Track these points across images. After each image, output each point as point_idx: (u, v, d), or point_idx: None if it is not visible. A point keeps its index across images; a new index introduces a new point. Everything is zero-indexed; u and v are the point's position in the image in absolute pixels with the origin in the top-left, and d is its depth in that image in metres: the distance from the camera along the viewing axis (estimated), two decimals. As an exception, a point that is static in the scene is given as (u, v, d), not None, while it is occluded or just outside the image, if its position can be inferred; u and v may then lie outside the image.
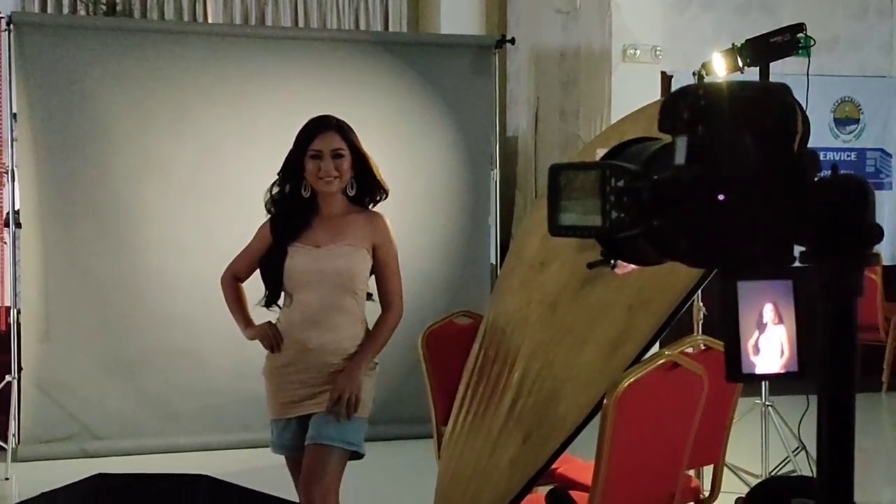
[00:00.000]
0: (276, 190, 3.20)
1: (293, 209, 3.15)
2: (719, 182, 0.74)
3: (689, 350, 2.59)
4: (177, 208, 5.74)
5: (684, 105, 0.77)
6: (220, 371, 5.66)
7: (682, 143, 0.77)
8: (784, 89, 0.81)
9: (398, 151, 5.75)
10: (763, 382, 4.85)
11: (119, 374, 5.65)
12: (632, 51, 7.58)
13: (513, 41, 5.87)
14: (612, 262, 0.80)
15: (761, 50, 4.29)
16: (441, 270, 6.00)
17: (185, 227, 5.74)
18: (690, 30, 7.67)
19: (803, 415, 4.38)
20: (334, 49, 5.82)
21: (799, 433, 4.64)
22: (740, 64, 4.37)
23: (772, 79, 7.90)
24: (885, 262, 7.95)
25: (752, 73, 4.59)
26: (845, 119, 8.20)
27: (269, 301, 3.23)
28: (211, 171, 5.73)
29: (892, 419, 7.74)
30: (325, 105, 5.85)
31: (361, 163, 3.15)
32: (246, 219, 5.77)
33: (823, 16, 8.11)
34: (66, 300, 5.59)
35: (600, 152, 3.66)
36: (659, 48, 7.52)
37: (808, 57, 4.30)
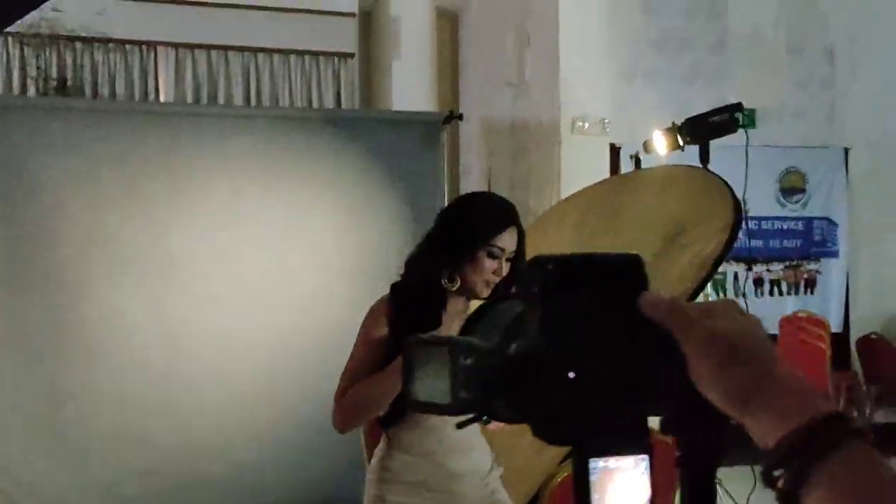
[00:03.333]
0: (414, 273, 2.62)
1: (428, 301, 2.56)
2: (569, 358, 0.74)
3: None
4: (124, 284, 5.67)
5: (534, 276, 0.77)
6: (170, 453, 5.55)
7: (533, 317, 0.77)
8: (637, 261, 0.81)
9: (349, 226, 5.77)
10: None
11: (63, 456, 5.51)
12: (580, 123, 7.70)
13: (460, 117, 5.94)
14: (485, 417, 0.79)
15: (700, 129, 4.38)
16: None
17: (133, 304, 5.67)
18: (638, 101, 7.80)
19: (752, 490, 4.38)
20: (286, 126, 5.84)
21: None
22: (680, 142, 4.45)
23: (716, 153, 8.05)
24: (834, 329, 8.04)
25: (693, 151, 4.68)
26: (791, 189, 8.35)
27: (392, 420, 2.61)
28: (159, 246, 5.68)
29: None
30: (276, 181, 5.90)
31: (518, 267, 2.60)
32: (193, 296, 5.79)
33: (769, 86, 8.31)
34: (7, 377, 5.47)
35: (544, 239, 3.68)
36: (607, 120, 7.65)
37: (746, 131, 4.39)
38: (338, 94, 9.15)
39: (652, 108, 7.68)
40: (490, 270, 2.53)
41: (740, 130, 8.21)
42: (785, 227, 8.34)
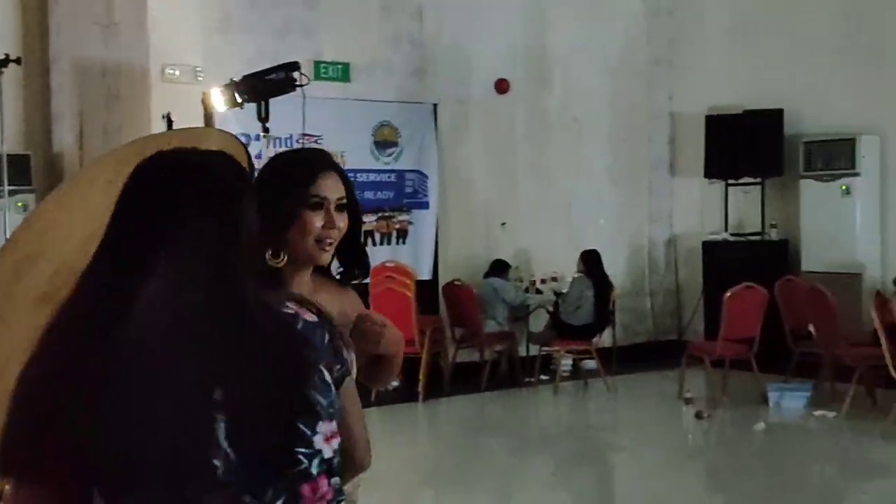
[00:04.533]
0: None
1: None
2: None
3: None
4: None
5: None
6: None
7: None
8: None
9: None
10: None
11: None
12: (171, 70, 7.42)
13: (18, 60, 5.45)
14: None
15: (258, 87, 4.33)
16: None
17: None
18: (233, 51, 7.65)
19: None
20: None
21: None
22: (238, 100, 4.38)
23: (311, 103, 8.10)
24: (421, 276, 8.45)
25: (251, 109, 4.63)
26: (384, 142, 8.63)
27: None
28: None
29: (428, 426, 8.27)
30: None
31: (355, 220, 2.19)
32: None
33: (363, 41, 8.48)
34: None
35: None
36: (199, 69, 7.42)
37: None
38: None
39: (246, 59, 7.55)
40: (318, 225, 2.07)
41: (338, 82, 8.41)
42: (378, 178, 8.61)
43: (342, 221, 2.11)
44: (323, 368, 1.36)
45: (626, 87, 10.01)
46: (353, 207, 2.16)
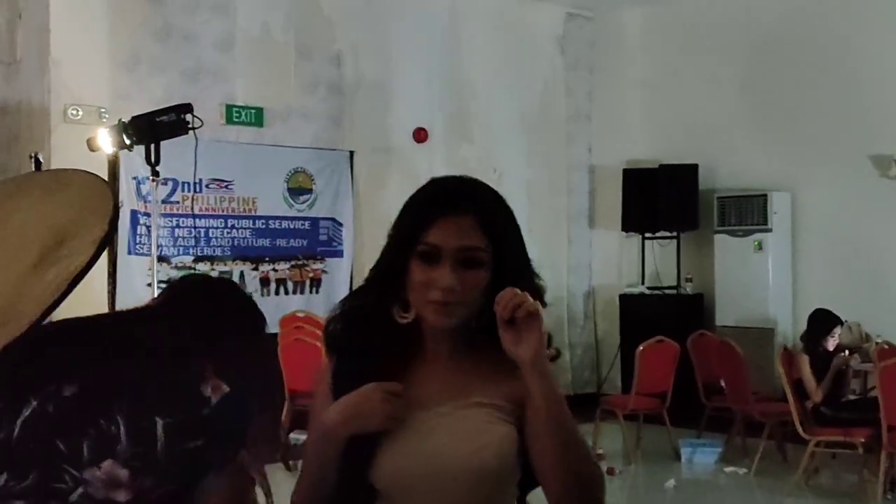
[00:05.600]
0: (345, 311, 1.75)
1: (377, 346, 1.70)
2: None
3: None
4: None
5: None
6: None
7: None
8: None
9: None
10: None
11: None
12: (74, 110, 7.21)
13: None
14: None
15: (148, 129, 4.16)
16: None
17: None
18: (141, 90, 7.45)
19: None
20: None
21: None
22: (127, 141, 4.20)
23: (222, 147, 7.91)
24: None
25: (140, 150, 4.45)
26: (299, 188, 8.47)
27: None
28: None
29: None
30: None
31: (507, 277, 1.66)
32: None
33: (278, 85, 8.34)
34: None
35: None
36: (104, 109, 7.22)
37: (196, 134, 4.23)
38: None
39: (156, 100, 7.35)
40: (422, 283, 1.64)
41: (251, 127, 8.24)
42: (292, 226, 8.44)
43: (470, 278, 1.63)
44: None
45: (546, 138, 10.02)
46: (501, 261, 1.65)
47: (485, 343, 1.64)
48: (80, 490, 1.26)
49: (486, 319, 1.62)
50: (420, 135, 9.12)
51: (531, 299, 1.57)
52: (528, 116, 9.86)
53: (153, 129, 4.22)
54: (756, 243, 8.80)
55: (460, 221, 1.64)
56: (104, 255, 7.77)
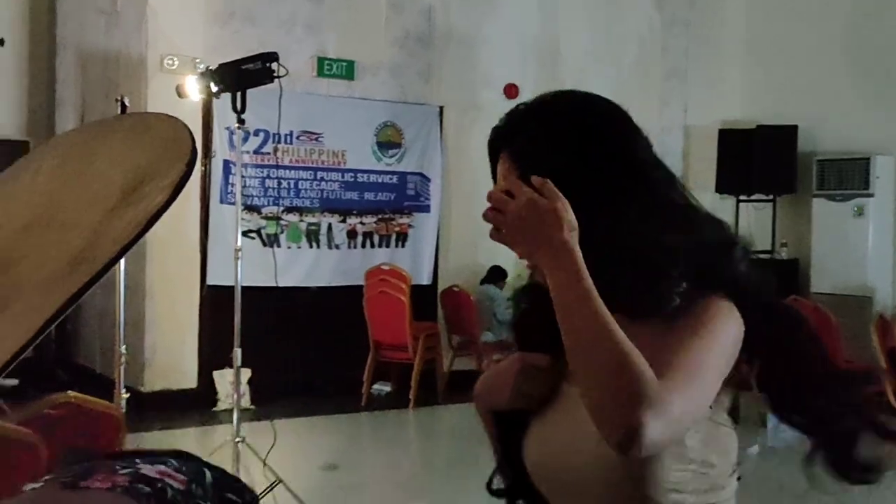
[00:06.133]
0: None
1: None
2: None
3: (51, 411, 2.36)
4: None
5: None
6: None
7: None
8: None
9: None
10: (234, 417, 4.77)
11: None
12: (169, 60, 7.31)
13: (1, 42, 5.32)
14: None
15: (233, 77, 4.18)
16: None
17: None
18: (235, 41, 7.51)
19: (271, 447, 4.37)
20: None
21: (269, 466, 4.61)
22: (214, 89, 4.24)
23: (313, 100, 7.96)
24: (419, 281, 8.29)
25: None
26: (388, 143, 8.47)
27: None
28: None
29: (420, 432, 8.09)
30: None
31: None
32: None
33: (368, 40, 8.33)
34: None
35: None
36: (198, 59, 7.30)
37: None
38: None
39: (247, 51, 7.41)
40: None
41: (342, 79, 8.25)
42: (380, 180, 8.46)
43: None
44: None
45: (640, 97, 9.80)
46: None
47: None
48: None
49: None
50: (511, 91, 9.02)
51: (496, 196, 1.32)
52: (622, 74, 9.66)
53: (239, 77, 4.24)
54: (856, 209, 8.51)
55: (501, 167, 1.46)
56: (197, 204, 7.96)
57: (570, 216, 1.29)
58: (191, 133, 2.72)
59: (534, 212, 1.29)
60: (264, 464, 4.72)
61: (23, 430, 2.09)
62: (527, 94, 9.07)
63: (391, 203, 8.50)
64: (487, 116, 9.04)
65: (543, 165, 1.36)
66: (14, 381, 5.93)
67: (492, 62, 8.89)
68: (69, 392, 2.49)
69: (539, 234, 1.29)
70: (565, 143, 1.42)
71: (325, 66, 8.04)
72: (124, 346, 4.31)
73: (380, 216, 8.46)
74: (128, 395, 4.23)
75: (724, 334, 1.36)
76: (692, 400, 1.29)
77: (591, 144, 1.42)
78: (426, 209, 8.67)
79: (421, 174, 8.64)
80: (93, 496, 1.04)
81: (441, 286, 8.67)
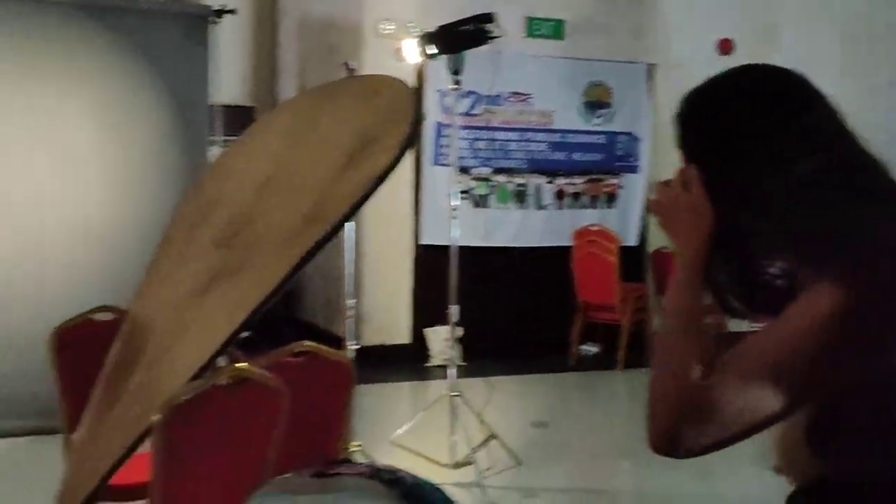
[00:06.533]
0: None
1: None
2: None
3: (288, 359, 2.52)
4: None
5: None
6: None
7: None
8: None
9: (106, 126, 5.48)
10: (448, 371, 4.90)
11: None
12: (384, 25, 7.53)
13: (233, 11, 5.63)
14: None
15: (449, 39, 4.26)
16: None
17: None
18: (445, 3, 7.62)
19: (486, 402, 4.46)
20: (39, 13, 5.43)
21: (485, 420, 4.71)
22: (430, 52, 4.33)
23: (522, 60, 7.96)
24: (627, 242, 8.21)
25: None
26: (596, 102, 8.39)
27: None
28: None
29: (627, 394, 8.05)
30: (29, 75, 5.48)
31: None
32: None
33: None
34: None
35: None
36: (411, 23, 7.48)
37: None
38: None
39: (458, 13, 7.52)
40: None
41: (553, 39, 8.23)
42: (588, 140, 8.40)
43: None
44: None
45: (866, 50, 9.26)
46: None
47: None
48: None
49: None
50: (725, 46, 8.72)
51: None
52: (847, 26, 9.14)
53: (455, 40, 4.32)
54: None
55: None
56: (409, 165, 8.15)
57: (698, 219, 1.37)
58: (416, 95, 2.81)
59: (674, 207, 1.39)
60: (480, 420, 4.84)
61: (269, 375, 2.25)
62: (742, 50, 8.74)
63: (600, 164, 8.44)
64: (700, 74, 8.77)
65: (697, 154, 1.42)
66: (247, 333, 6.32)
67: (704, 17, 8.62)
68: (305, 341, 2.66)
69: (676, 228, 1.40)
70: (720, 137, 1.42)
71: (534, 27, 8.05)
72: (353, 300, 4.53)
73: (588, 177, 8.41)
74: (358, 346, 4.44)
75: (799, 331, 1.29)
76: (733, 402, 1.31)
77: (746, 142, 1.39)
78: (635, 170, 8.55)
79: (630, 134, 8.52)
80: (346, 479, 1.21)
81: (649, 247, 8.55)
